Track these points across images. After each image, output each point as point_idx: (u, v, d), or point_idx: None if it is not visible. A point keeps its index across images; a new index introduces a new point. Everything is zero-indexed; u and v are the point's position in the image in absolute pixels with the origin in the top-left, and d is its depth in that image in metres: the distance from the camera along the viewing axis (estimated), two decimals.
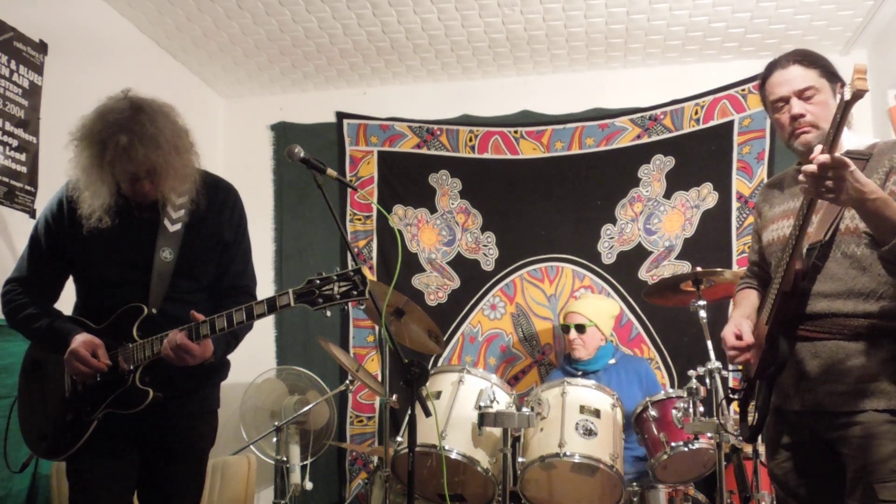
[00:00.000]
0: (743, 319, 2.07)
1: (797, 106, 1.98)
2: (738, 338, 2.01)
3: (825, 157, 1.64)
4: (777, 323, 1.90)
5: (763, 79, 2.08)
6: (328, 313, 1.98)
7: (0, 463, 2.46)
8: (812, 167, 1.67)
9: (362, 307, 4.32)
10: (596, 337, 3.72)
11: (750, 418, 2.05)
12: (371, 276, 4.55)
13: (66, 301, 2.28)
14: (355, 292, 1.94)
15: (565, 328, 3.80)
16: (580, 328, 3.72)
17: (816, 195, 1.72)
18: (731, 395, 2.19)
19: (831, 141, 1.64)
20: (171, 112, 2.09)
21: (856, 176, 1.67)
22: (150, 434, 2.16)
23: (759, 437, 3.26)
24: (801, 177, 1.71)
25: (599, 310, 3.79)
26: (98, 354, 2.06)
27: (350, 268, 1.96)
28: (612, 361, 3.74)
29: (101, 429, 2.10)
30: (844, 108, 1.61)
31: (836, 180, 1.66)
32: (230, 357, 2.31)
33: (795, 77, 1.99)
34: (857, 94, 1.57)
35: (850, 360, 1.86)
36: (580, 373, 3.69)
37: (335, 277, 1.95)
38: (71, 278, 2.27)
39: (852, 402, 1.84)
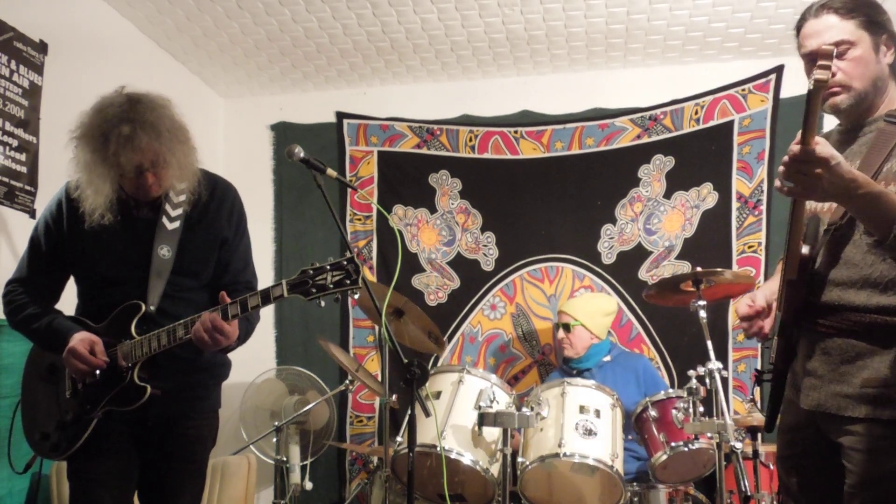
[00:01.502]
0: (760, 290, 1.94)
1: None
2: (752, 306, 1.88)
3: (795, 149, 1.49)
4: (787, 314, 1.76)
5: (797, 27, 1.86)
6: (322, 304, 1.94)
7: (0, 462, 2.47)
8: (785, 158, 1.53)
9: (356, 295, 4.33)
10: (584, 336, 3.71)
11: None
12: (371, 276, 4.55)
13: (69, 302, 2.28)
14: (348, 281, 1.92)
15: (556, 327, 3.82)
16: (566, 327, 3.74)
17: (787, 192, 1.57)
18: (762, 377, 2.02)
19: (806, 132, 1.48)
20: (167, 104, 2.10)
21: (836, 170, 1.51)
22: (150, 434, 2.16)
23: (759, 437, 3.30)
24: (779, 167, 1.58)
25: (587, 309, 3.78)
26: (96, 351, 2.06)
27: (343, 257, 1.94)
28: (607, 359, 3.73)
29: (102, 428, 2.10)
30: (809, 100, 1.46)
31: (807, 175, 1.51)
32: (230, 356, 2.32)
33: (827, 28, 1.75)
34: (818, 85, 1.43)
35: (859, 361, 1.72)
36: (574, 371, 3.70)
37: (328, 267, 1.93)
38: (72, 279, 2.27)
39: (857, 408, 1.71)
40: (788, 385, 1.91)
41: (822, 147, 1.52)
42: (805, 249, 1.72)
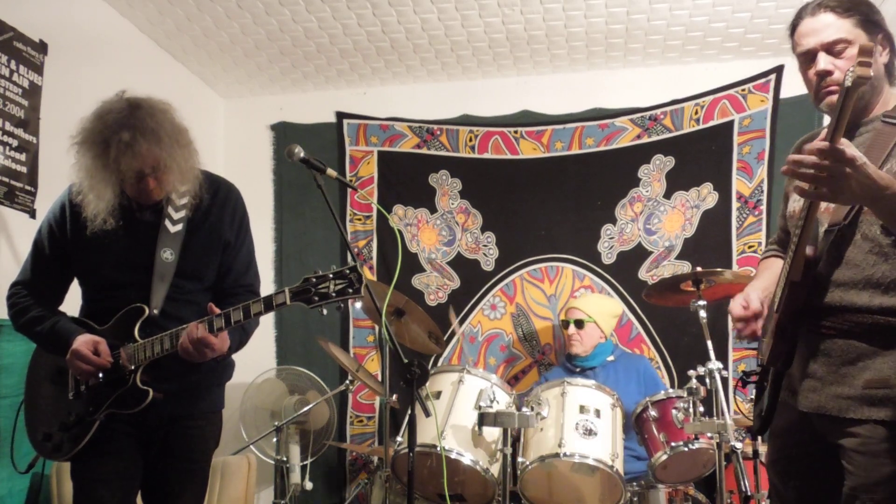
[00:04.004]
0: (752, 289, 1.89)
1: (823, 61, 1.73)
2: (747, 308, 1.83)
3: (822, 145, 1.43)
4: (787, 314, 1.72)
5: (792, 26, 1.83)
6: (325, 311, 1.95)
7: (1, 462, 2.47)
8: (802, 156, 1.46)
9: (359, 305, 4.32)
10: (594, 334, 3.73)
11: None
12: (371, 276, 4.55)
13: (73, 304, 2.28)
14: (351, 290, 1.93)
15: (565, 324, 3.82)
16: (579, 323, 3.73)
17: (809, 194, 1.51)
18: (745, 379, 2.01)
19: (833, 130, 1.43)
20: (168, 108, 2.11)
21: (864, 171, 1.45)
22: (154, 434, 2.17)
23: (759, 437, 3.29)
24: (783, 168, 1.52)
25: (601, 308, 3.81)
26: (99, 351, 2.06)
27: (346, 265, 1.95)
28: (611, 359, 3.75)
29: (105, 429, 2.10)
30: (845, 97, 1.41)
31: (835, 176, 1.45)
32: (231, 357, 2.32)
33: (825, 27, 1.73)
34: (859, 82, 1.37)
35: (861, 362, 1.68)
36: (578, 369, 3.70)
37: (331, 275, 1.94)
38: (76, 281, 2.27)
39: (857, 409, 1.68)
40: (783, 387, 1.87)
41: (850, 148, 1.47)
42: (809, 251, 1.67)
